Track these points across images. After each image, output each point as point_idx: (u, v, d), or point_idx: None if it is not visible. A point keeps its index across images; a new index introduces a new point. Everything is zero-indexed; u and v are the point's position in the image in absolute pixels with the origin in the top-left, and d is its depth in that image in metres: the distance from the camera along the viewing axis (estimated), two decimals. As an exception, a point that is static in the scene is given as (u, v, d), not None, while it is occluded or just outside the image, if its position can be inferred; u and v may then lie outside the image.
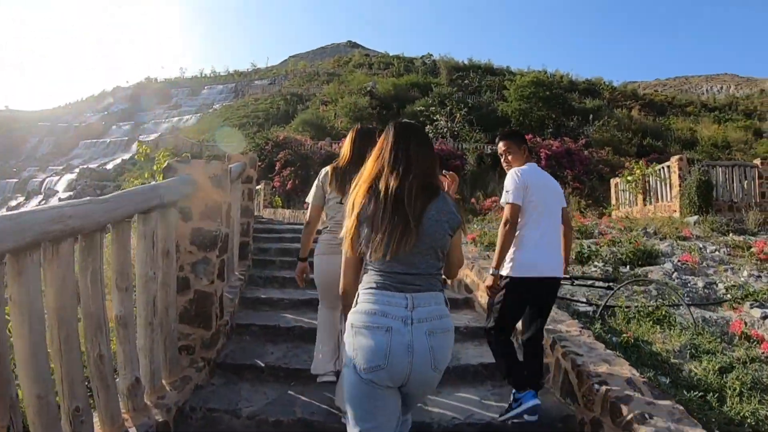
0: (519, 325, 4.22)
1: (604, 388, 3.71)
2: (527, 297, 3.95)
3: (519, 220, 3.94)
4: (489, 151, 27.67)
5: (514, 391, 3.96)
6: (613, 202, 19.03)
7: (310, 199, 4.28)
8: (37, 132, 58.77)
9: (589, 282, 5.44)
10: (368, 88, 41.80)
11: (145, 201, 3.52)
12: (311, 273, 4.38)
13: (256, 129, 38.58)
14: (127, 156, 45.02)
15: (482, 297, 5.87)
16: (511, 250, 3.93)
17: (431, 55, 60.30)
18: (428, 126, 33.19)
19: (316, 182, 4.25)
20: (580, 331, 4.81)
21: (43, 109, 74.61)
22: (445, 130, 32.56)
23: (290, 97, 53.13)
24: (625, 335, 5.06)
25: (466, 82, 45.78)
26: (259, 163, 29.96)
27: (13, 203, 39.70)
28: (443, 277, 2.57)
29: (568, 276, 4.94)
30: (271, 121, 44.36)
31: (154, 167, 12.19)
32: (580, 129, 34.32)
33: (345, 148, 4.20)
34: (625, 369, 4.00)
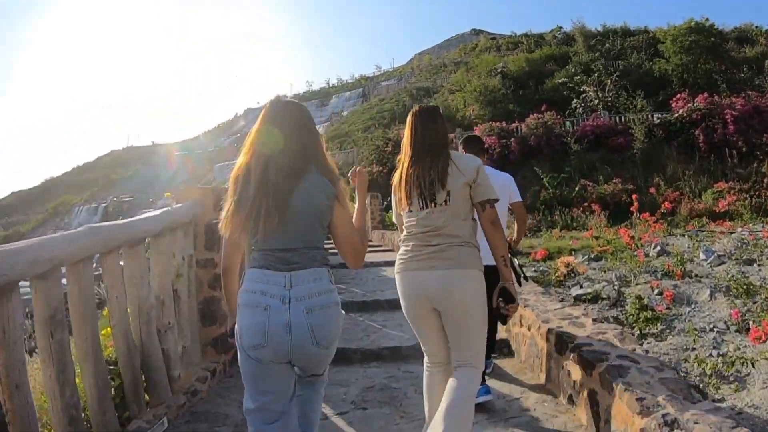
0: None
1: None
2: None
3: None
4: (657, 121, 21.70)
5: None
6: None
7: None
8: (175, 161, 59.10)
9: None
10: (499, 69, 36.29)
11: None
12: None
13: (381, 130, 34.14)
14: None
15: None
16: None
17: (561, 27, 53.60)
18: (575, 99, 27.52)
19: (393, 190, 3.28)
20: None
21: (184, 139, 76.00)
22: (596, 101, 26.70)
23: (416, 92, 49.03)
24: None
25: (606, 46, 39.10)
26: (379, 168, 26.76)
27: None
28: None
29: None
30: (397, 120, 40.25)
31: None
32: (755, 81, 27.48)
33: (404, 139, 3.14)
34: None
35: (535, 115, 23.91)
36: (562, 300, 4.91)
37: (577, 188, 18.22)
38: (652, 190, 16.19)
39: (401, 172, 3.03)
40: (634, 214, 11.45)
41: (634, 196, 12.19)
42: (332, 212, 2.43)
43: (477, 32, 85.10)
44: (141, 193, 52.59)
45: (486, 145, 4.68)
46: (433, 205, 2.89)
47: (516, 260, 4.16)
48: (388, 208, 19.60)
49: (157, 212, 4.09)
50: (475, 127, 25.42)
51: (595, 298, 5.68)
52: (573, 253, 8.47)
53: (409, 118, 3.04)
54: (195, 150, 62.92)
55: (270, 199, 2.30)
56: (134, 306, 3.68)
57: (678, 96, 23.28)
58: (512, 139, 22.83)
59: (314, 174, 2.40)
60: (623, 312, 5.30)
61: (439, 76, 54.78)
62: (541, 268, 7.29)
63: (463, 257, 2.84)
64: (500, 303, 2.96)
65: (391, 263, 10.28)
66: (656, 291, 5.62)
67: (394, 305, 6.45)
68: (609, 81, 27.95)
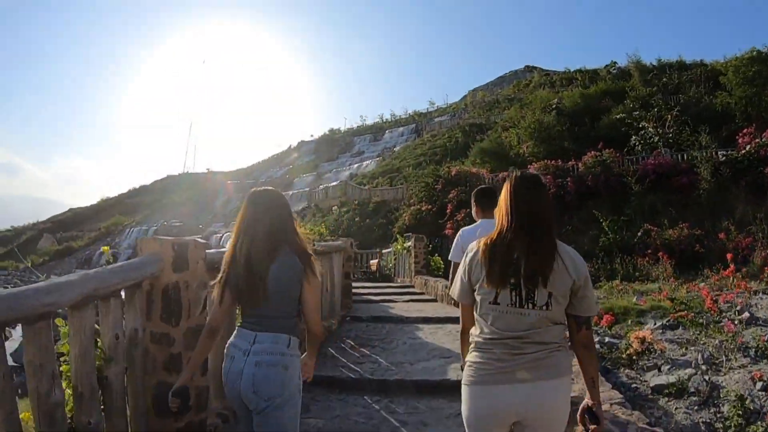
0: None
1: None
2: None
3: None
4: (723, 158, 19.94)
5: None
6: None
7: (454, 292, 2.64)
8: (227, 190, 59.27)
9: None
10: (554, 105, 34.80)
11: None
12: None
13: (433, 167, 32.86)
14: (299, 207, 42.01)
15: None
16: None
17: (615, 62, 51.72)
18: (633, 136, 25.85)
19: (462, 262, 2.58)
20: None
21: (238, 168, 77.00)
22: (656, 138, 24.98)
23: (469, 129, 47.92)
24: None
25: (663, 80, 37.13)
26: (428, 207, 25.66)
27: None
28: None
29: None
30: (449, 156, 39.11)
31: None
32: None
33: (501, 205, 2.52)
34: None
35: (592, 152, 22.26)
36: (650, 420, 3.55)
37: (639, 233, 16.48)
38: (722, 235, 14.50)
39: (492, 241, 2.41)
40: (731, 279, 9.06)
41: (728, 255, 9.79)
42: (301, 285, 2.73)
43: (530, 69, 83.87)
44: (192, 218, 53.19)
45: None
46: (530, 305, 2.30)
47: None
48: (434, 251, 18.20)
49: (74, 276, 2.93)
50: (529, 165, 23.97)
51: (679, 392, 4.28)
52: (641, 315, 7.08)
53: (506, 185, 2.50)
54: (247, 180, 63.24)
55: (251, 277, 2.68)
56: (32, 402, 2.53)
57: (744, 131, 21.44)
58: (568, 179, 21.24)
59: (286, 253, 2.73)
60: (718, 415, 3.91)
61: (493, 112, 53.51)
62: (607, 340, 5.90)
63: (561, 365, 2.35)
64: (585, 422, 2.44)
65: (431, 320, 9.05)
66: (758, 385, 4.21)
67: (422, 389, 5.17)
68: (669, 116, 26.24)
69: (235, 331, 2.80)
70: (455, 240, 4.43)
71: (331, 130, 78.33)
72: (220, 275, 2.80)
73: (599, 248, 16.12)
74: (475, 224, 4.45)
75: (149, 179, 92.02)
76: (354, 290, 13.10)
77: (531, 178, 2.54)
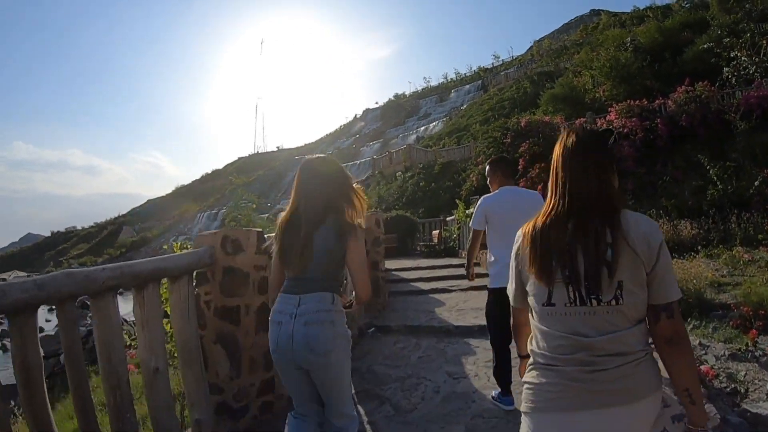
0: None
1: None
2: (500, 302, 3.66)
3: (488, 240, 4.03)
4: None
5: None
6: None
7: (510, 292, 1.99)
8: (295, 165, 57.67)
9: None
10: (628, 42, 31.11)
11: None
12: None
13: (501, 121, 29.99)
14: (364, 176, 40.07)
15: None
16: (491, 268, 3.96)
17: (689, -7, 47.04)
18: (726, 68, 22.31)
19: (514, 253, 1.93)
20: None
21: (306, 143, 76.33)
22: (752, 68, 21.43)
23: (537, 78, 44.54)
24: None
25: (747, 6, 32.60)
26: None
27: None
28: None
29: None
30: (518, 108, 36.17)
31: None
32: None
33: (551, 176, 1.88)
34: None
35: (682, 88, 18.81)
36: None
37: (757, 182, 12.50)
38: None
39: (536, 225, 1.77)
40: None
41: None
42: (345, 252, 2.70)
43: (596, 12, 78.90)
44: (261, 197, 52.68)
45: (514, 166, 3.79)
46: (594, 301, 1.62)
47: None
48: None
49: None
50: (609, 109, 20.86)
51: None
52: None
53: (556, 147, 1.83)
54: (314, 153, 62.59)
55: (299, 243, 2.69)
56: None
57: None
58: (657, 120, 17.96)
59: (331, 222, 2.71)
60: None
61: (561, 59, 49.94)
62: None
63: (645, 379, 1.63)
64: None
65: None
66: None
67: None
68: (764, 42, 22.48)
69: (278, 298, 2.76)
70: (476, 206, 4.29)
71: (396, 96, 76.46)
72: (276, 242, 2.81)
73: (707, 203, 12.64)
74: (489, 194, 4.33)
75: (222, 164, 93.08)
76: (401, 274, 10.76)
77: (588, 138, 1.81)
